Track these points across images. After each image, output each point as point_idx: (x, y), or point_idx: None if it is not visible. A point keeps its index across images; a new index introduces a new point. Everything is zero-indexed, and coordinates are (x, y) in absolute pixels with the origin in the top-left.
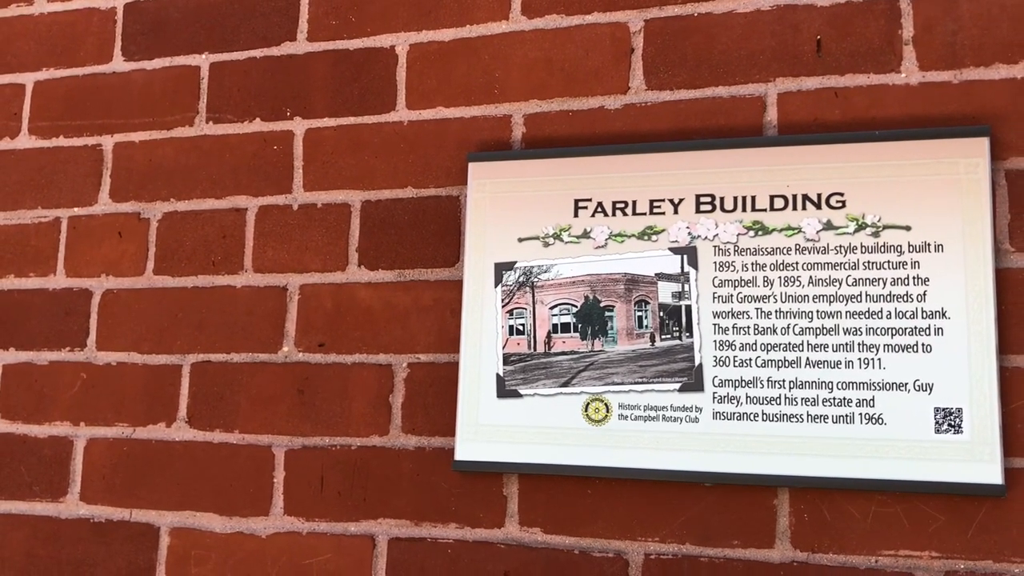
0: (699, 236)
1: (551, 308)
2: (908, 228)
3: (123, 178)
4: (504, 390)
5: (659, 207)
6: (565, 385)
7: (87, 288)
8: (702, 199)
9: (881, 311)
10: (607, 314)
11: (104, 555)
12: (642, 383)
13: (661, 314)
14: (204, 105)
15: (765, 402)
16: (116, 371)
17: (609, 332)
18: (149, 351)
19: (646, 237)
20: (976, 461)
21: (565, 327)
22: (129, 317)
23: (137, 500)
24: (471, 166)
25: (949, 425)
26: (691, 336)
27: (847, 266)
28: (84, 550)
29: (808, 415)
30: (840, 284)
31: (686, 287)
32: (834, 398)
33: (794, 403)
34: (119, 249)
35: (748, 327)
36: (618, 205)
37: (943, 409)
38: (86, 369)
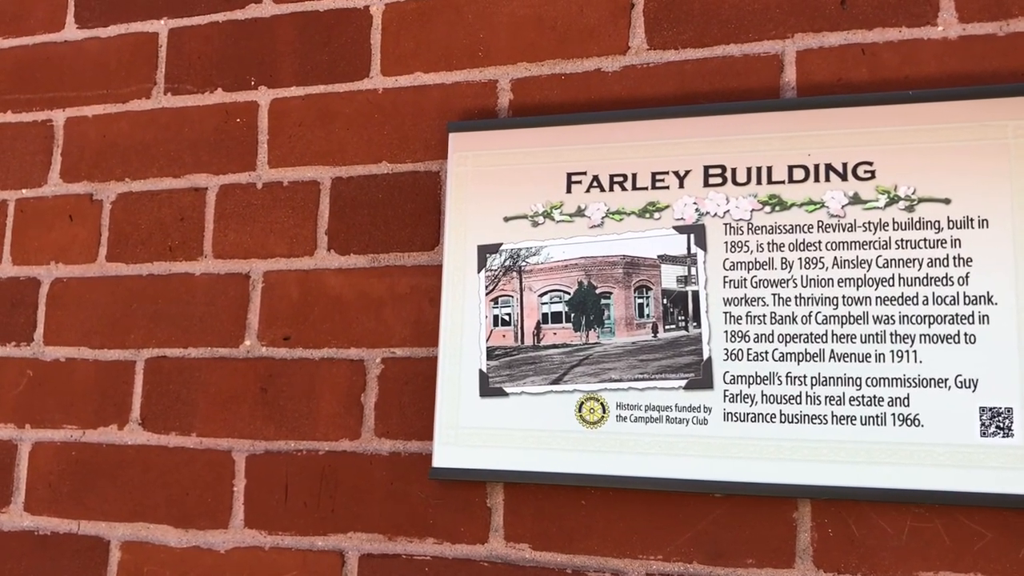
0: (708, 213)
1: (541, 296)
2: (947, 201)
3: (75, 156)
4: (488, 388)
5: (662, 180)
6: (556, 382)
7: (35, 277)
8: (711, 171)
9: (916, 296)
10: (603, 302)
11: (49, 571)
12: (643, 380)
13: (665, 301)
14: (162, 75)
15: (783, 401)
16: (65, 368)
17: (606, 322)
18: (100, 346)
19: (648, 215)
20: None
21: (556, 317)
22: (80, 308)
23: (86, 511)
24: (452, 137)
25: (997, 427)
26: (699, 326)
27: (877, 245)
28: (28, 566)
29: (833, 416)
30: (869, 266)
31: (693, 271)
32: (863, 396)
33: (817, 402)
34: (70, 234)
35: (764, 315)
36: (616, 179)
37: (990, 409)
38: (33, 366)
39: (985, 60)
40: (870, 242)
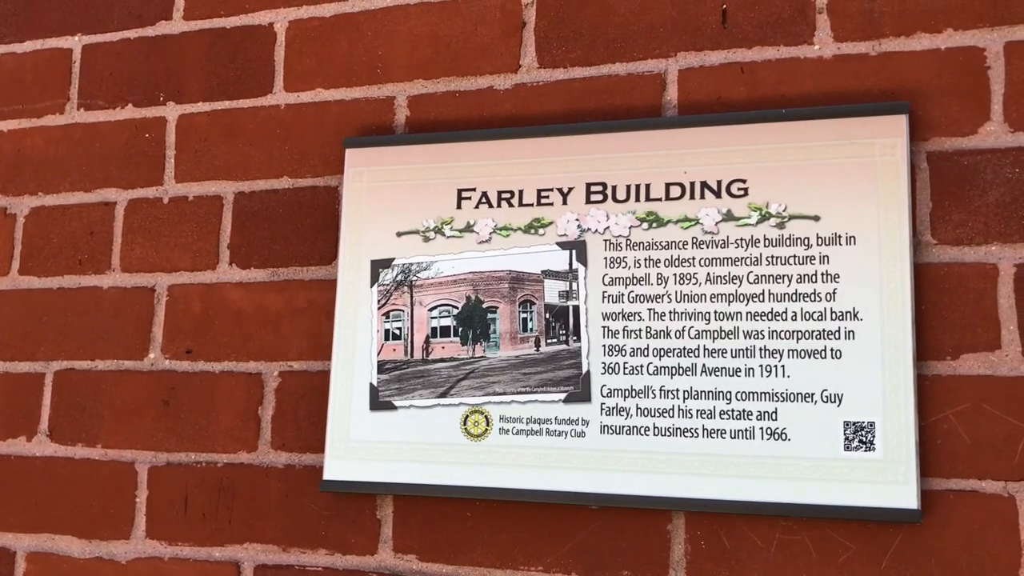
0: (589, 229)
1: (430, 310)
2: (817, 218)
3: None
4: (378, 402)
5: (547, 197)
6: (443, 396)
7: None
8: (593, 188)
9: (785, 312)
10: (490, 316)
11: None
12: (525, 393)
13: (547, 316)
14: (76, 91)
15: (657, 414)
16: None
17: (491, 336)
18: (11, 358)
19: (533, 231)
20: (889, 482)
21: (445, 331)
22: None
23: None
24: (348, 153)
25: (860, 441)
26: (579, 340)
27: (748, 261)
28: None
29: (704, 429)
30: (740, 282)
31: (574, 286)
32: (732, 410)
33: (689, 416)
34: None
35: (640, 330)
36: (504, 195)
37: (853, 423)
38: None
39: (858, 79)
40: (742, 258)
